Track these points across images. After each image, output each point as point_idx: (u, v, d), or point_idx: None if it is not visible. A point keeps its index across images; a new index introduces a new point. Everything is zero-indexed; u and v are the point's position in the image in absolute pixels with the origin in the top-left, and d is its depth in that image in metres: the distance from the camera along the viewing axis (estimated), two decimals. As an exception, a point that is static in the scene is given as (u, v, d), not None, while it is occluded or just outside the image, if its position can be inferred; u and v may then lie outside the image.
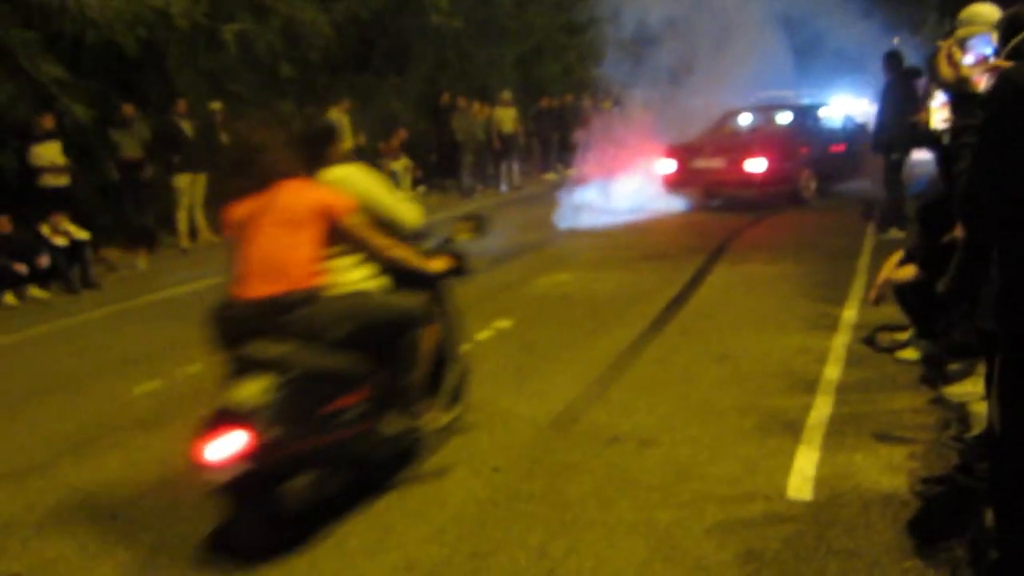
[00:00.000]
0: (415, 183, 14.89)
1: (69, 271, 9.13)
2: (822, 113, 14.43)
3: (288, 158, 3.70)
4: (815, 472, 3.98)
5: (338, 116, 13.20)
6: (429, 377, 4.18)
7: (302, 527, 3.63)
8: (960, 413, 4.47)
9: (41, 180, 9.64)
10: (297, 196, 3.61)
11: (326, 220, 3.59)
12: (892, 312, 5.72)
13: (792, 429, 4.47)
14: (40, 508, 4.04)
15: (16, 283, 8.69)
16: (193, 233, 11.40)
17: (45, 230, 9.08)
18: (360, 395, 3.65)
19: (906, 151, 9.56)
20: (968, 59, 3.49)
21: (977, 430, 4.15)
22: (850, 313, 6.57)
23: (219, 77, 12.46)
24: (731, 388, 5.16)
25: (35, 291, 8.85)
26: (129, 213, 10.97)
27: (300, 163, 3.75)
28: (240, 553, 3.48)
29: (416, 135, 15.57)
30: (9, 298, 8.58)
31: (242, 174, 3.67)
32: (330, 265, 3.68)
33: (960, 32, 3.89)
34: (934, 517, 3.45)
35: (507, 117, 16.66)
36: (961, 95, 2.66)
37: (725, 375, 5.40)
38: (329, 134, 4.03)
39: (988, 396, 3.93)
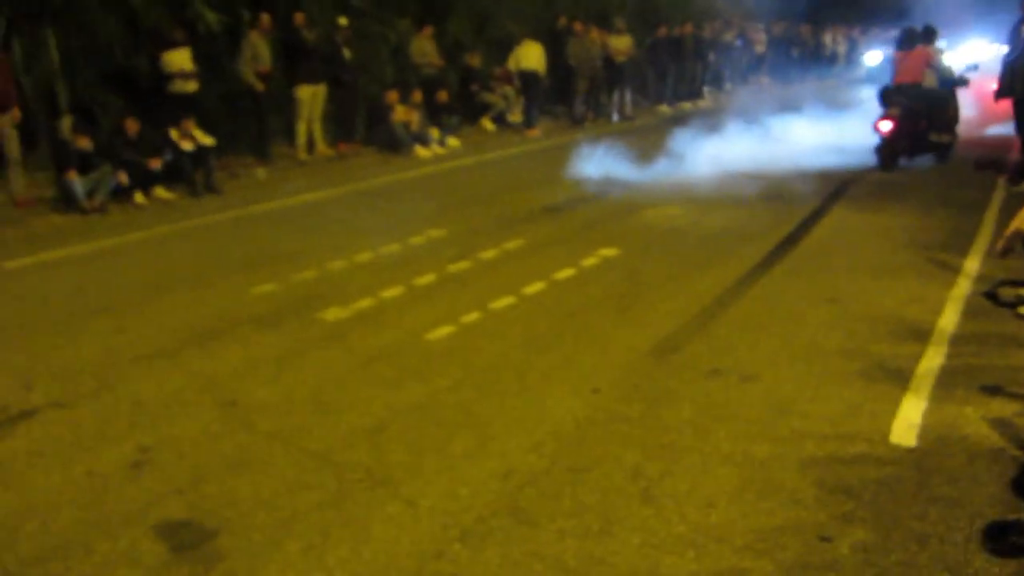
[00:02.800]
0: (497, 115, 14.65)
1: (194, 175, 9.53)
2: None
3: None
4: (921, 420, 3.91)
5: (420, 42, 13.20)
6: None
7: (406, 429, 3.81)
8: (1082, 374, 4.29)
9: (171, 86, 10.01)
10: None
11: None
12: (1019, 266, 5.45)
13: (900, 376, 4.38)
14: (168, 389, 4.34)
15: (144, 182, 9.13)
16: (310, 145, 11.69)
17: (174, 134, 9.47)
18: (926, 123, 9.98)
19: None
20: None
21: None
22: (972, 264, 6.30)
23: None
24: (838, 331, 5.06)
25: (161, 192, 9.28)
26: (252, 123, 11.30)
27: None
28: (348, 445, 3.68)
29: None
30: (139, 197, 9.03)
31: None
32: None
33: None
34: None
35: (621, 45, 16.28)
36: None
37: (833, 318, 5.30)
38: None
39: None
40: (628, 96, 16.95)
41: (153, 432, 3.88)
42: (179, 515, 3.21)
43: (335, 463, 3.57)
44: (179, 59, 10.06)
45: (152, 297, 5.90)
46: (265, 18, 10.83)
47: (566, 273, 6.24)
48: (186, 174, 9.53)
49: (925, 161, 10.70)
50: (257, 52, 10.79)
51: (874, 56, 25.54)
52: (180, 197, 9.36)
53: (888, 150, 10.36)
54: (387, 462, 3.57)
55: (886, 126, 10.31)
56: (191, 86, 10.15)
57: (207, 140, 9.75)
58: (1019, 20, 9.14)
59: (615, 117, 16.43)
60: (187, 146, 9.55)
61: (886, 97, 10.58)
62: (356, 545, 3.00)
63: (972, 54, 27.25)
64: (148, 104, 9.89)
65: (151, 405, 4.17)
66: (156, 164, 9.13)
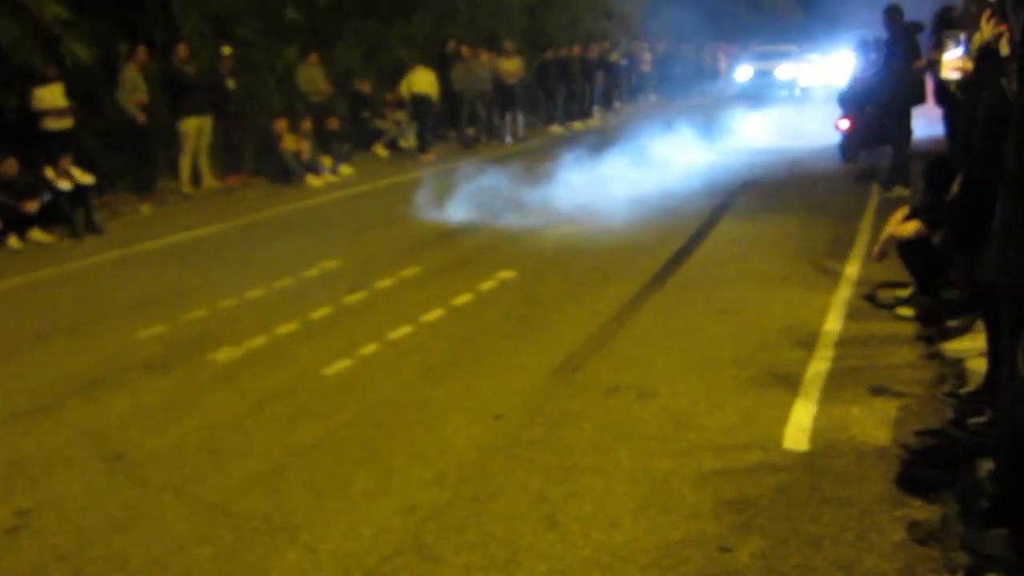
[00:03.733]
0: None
1: (73, 215, 9.13)
2: None
3: None
4: (811, 424, 4.04)
5: (307, 70, 13.09)
6: None
7: (304, 470, 3.72)
8: (956, 369, 4.52)
9: (44, 123, 9.59)
10: None
11: None
12: (895, 269, 5.74)
13: (790, 382, 4.52)
14: (48, 447, 4.10)
15: (20, 226, 8.69)
16: (196, 179, 11.38)
17: (49, 173, 9.06)
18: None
19: (912, 107, 9.50)
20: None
21: (973, 386, 4.20)
22: (852, 269, 6.59)
23: (224, 20, 12.31)
24: (731, 341, 5.20)
25: (38, 235, 8.85)
26: (133, 158, 10.92)
27: None
28: (244, 492, 3.55)
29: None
30: (13, 241, 8.59)
31: None
32: None
33: None
34: (926, 469, 3.50)
35: (511, 67, 16.46)
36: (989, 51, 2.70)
37: (725, 328, 5.44)
38: None
39: (989, 351, 3.98)
40: (520, 118, 17.13)
41: (32, 494, 3.66)
42: (63, 581, 3.03)
43: (231, 513, 3.44)
44: (51, 96, 9.65)
45: (29, 347, 5.60)
46: (141, 51, 10.51)
47: (464, 298, 6.22)
48: (65, 214, 9.11)
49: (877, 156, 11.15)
50: (136, 84, 10.46)
51: (744, 72, 26.41)
52: (59, 239, 8.94)
53: (848, 145, 11.09)
54: (285, 507, 3.46)
55: (844, 124, 11.11)
56: (66, 123, 9.75)
57: (86, 178, 9.35)
58: (889, 39, 9.58)
59: (508, 139, 16.57)
60: (65, 185, 9.14)
61: (843, 99, 11.29)
62: (254, 597, 2.89)
63: (841, 64, 28.65)
64: (20, 143, 9.44)
65: (29, 465, 3.93)
66: (32, 207, 8.70)
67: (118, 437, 4.18)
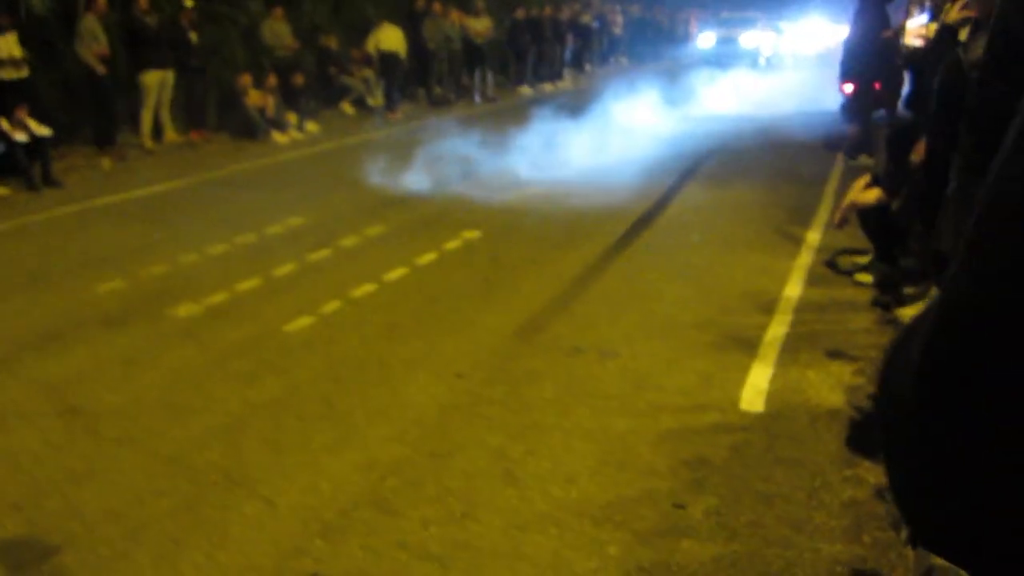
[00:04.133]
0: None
1: (30, 167, 8.92)
2: None
3: None
4: (768, 386, 4.10)
5: (272, 24, 12.84)
6: None
7: (264, 426, 3.71)
8: (911, 334, 4.60)
9: None
10: None
11: None
12: (855, 236, 5.81)
13: (749, 345, 4.59)
14: (2, 400, 4.05)
15: (-25, 178, 8.49)
16: (158, 133, 11.16)
17: (3, 124, 8.83)
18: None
19: (879, 77, 9.58)
20: None
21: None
22: (814, 236, 6.66)
23: (186, -29, 12.00)
24: (692, 305, 5.25)
25: (-5, 186, 8.66)
26: (93, 110, 10.67)
27: None
28: (203, 447, 3.55)
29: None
30: (-32, 193, 8.40)
31: None
32: None
33: None
34: (875, 430, 3.58)
35: (480, 26, 16.29)
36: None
37: (687, 292, 5.49)
38: None
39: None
40: (490, 78, 16.99)
41: (-14, 446, 3.62)
42: (17, 532, 3.01)
43: (188, 466, 3.43)
44: (5, 45, 9.38)
45: (-16, 301, 5.49)
46: (100, 0, 10.23)
47: (428, 258, 6.20)
48: (21, 167, 8.89)
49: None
50: (95, 34, 10.18)
51: (707, 39, 26.29)
52: (15, 192, 8.73)
53: (852, 107, 11.16)
54: (244, 461, 3.46)
55: (848, 88, 11.11)
56: (22, 73, 9.48)
57: (43, 130, 9.12)
58: (858, 5, 9.69)
59: (477, 99, 16.44)
60: (20, 137, 8.91)
61: (845, 63, 11.34)
62: (211, 550, 2.89)
63: (811, 32, 28.66)
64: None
65: (-17, 417, 3.89)
66: (-15, 158, 8.50)
67: (75, 391, 4.13)
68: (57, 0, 10.19)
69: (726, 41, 25.32)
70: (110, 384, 4.21)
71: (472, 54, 16.29)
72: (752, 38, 25.45)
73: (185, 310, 5.20)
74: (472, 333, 4.82)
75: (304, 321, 4.99)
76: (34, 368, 4.42)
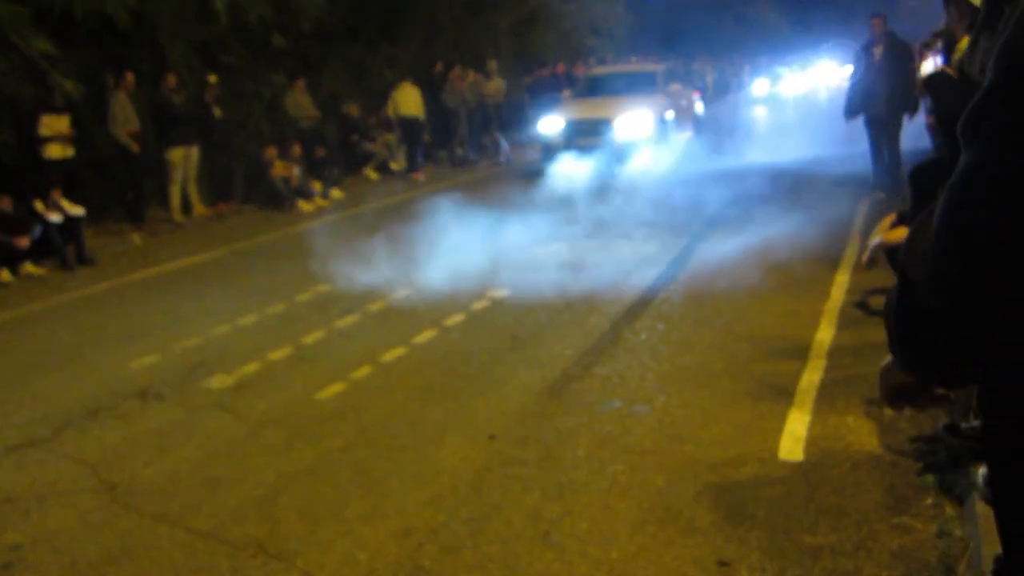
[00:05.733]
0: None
1: (64, 247, 9.12)
2: None
3: None
4: (806, 434, 4.04)
5: (295, 96, 13.13)
6: None
7: (299, 496, 3.70)
8: (950, 374, 4.51)
9: (47, 151, 9.61)
10: None
11: None
12: (886, 275, 5.74)
13: (784, 393, 4.53)
14: (41, 481, 4.09)
15: (11, 260, 8.68)
16: (186, 207, 11.39)
17: (39, 206, 9.06)
18: None
19: (908, 113, 9.63)
20: None
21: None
22: (843, 277, 6.61)
23: (211, 49, 12.35)
24: (723, 353, 5.20)
25: (30, 268, 8.84)
26: (126, 188, 10.94)
27: None
28: (239, 520, 3.54)
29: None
30: (5, 275, 8.57)
31: None
32: None
33: None
34: (922, 475, 3.50)
35: (491, 88, 16.56)
36: None
37: (718, 340, 5.45)
38: None
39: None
40: (503, 139, 17.22)
41: (26, 529, 3.64)
42: (57, 616, 3.01)
43: (226, 540, 3.42)
44: (59, 124, 9.73)
45: (23, 381, 5.58)
46: (129, 77, 10.54)
47: (456, 319, 6.22)
48: (56, 247, 9.10)
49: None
50: (127, 113, 10.49)
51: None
52: (51, 272, 8.92)
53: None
54: (281, 533, 3.44)
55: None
56: (69, 151, 9.81)
57: (76, 210, 9.36)
58: (866, 43, 9.78)
59: (502, 159, 16.61)
60: (55, 218, 9.14)
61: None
62: (251, 626, 2.87)
63: (820, 76, 28.83)
64: (15, 176, 9.46)
65: (23, 500, 3.91)
66: (24, 243, 8.68)
67: (112, 468, 4.16)
68: (88, 83, 10.51)
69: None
70: (147, 459, 4.23)
71: (489, 115, 16.56)
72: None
73: (218, 382, 5.24)
74: (502, 393, 4.81)
75: (335, 388, 5.01)
76: (72, 446, 4.46)
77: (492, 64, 16.87)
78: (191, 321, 6.58)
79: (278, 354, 5.68)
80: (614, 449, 4.00)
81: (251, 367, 5.46)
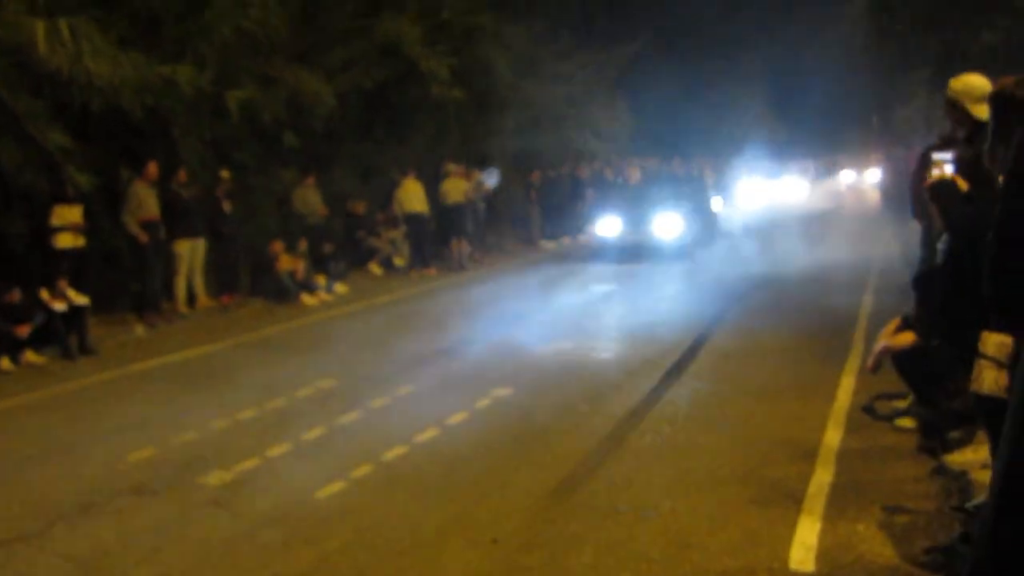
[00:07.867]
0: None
1: (67, 336, 9.10)
2: None
3: None
4: (817, 542, 3.93)
5: (304, 192, 13.34)
6: None
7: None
8: (961, 482, 4.43)
9: (58, 240, 9.70)
10: None
11: None
12: (890, 379, 5.71)
13: (793, 498, 4.43)
14: (30, 579, 3.97)
15: (12, 348, 8.65)
16: (191, 299, 11.44)
17: (44, 295, 9.09)
18: None
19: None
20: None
21: (979, 499, 4.11)
22: (848, 380, 6.57)
23: (223, 145, 12.62)
24: (730, 457, 5.12)
25: (31, 356, 8.80)
26: (134, 278, 11.00)
27: None
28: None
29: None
30: (5, 363, 8.53)
31: None
32: None
33: None
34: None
35: (454, 189, 16.24)
36: None
37: (724, 444, 5.37)
38: None
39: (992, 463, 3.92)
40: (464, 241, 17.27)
41: (10, 630, 3.51)
42: None
43: (217, 647, 3.29)
44: (71, 214, 9.86)
45: (15, 473, 5.48)
46: (152, 167, 10.73)
47: (459, 417, 6.15)
48: (59, 336, 9.09)
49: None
50: (142, 201, 10.63)
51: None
52: (51, 361, 8.88)
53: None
54: (275, 640, 3.32)
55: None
56: (79, 240, 9.90)
57: (82, 300, 9.38)
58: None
59: (455, 266, 16.49)
60: (59, 307, 9.16)
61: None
62: None
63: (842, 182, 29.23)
64: (24, 266, 9.55)
65: (9, 598, 3.79)
66: (24, 331, 8.67)
67: (102, 567, 4.04)
68: (101, 175, 10.68)
69: None
70: (138, 558, 4.12)
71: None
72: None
73: (216, 478, 5.15)
74: (506, 495, 4.71)
75: (335, 487, 4.91)
76: (63, 542, 4.35)
77: (449, 166, 16.59)
78: (190, 414, 6.51)
79: (277, 450, 5.59)
80: (621, 556, 3.89)
81: (249, 463, 5.37)
